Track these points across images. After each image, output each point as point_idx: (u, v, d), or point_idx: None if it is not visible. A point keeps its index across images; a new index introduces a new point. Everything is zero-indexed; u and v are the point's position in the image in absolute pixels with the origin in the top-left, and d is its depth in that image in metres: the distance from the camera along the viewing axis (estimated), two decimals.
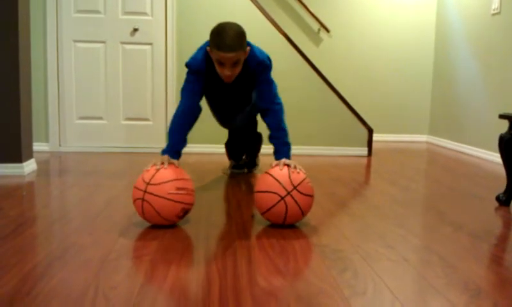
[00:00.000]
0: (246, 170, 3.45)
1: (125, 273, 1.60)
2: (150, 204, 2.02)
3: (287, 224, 2.17)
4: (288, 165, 2.17)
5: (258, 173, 3.43)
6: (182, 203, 2.06)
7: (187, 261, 1.72)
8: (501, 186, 3.22)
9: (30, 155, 3.30)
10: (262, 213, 2.17)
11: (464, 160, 4.34)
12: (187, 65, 2.59)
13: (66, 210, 2.35)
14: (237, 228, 2.14)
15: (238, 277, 1.58)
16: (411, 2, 5.62)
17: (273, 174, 2.14)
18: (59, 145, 4.26)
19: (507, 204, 2.69)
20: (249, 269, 1.66)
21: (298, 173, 2.14)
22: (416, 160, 4.26)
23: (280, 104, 2.58)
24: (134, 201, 2.08)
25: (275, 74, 4.27)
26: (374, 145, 5.22)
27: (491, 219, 2.40)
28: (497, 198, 2.73)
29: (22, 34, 3.12)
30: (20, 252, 1.76)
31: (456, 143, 5.09)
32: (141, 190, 2.04)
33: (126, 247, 1.85)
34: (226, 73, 2.50)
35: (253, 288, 1.50)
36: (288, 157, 2.36)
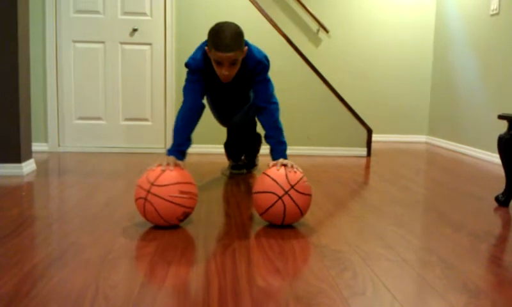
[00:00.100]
0: (245, 171, 3.45)
1: (124, 273, 1.60)
2: (152, 204, 2.02)
3: (286, 225, 2.18)
4: (285, 165, 2.18)
5: (258, 174, 3.43)
6: (184, 206, 2.06)
7: (187, 261, 1.72)
8: (500, 186, 3.22)
9: (29, 155, 3.30)
10: (261, 214, 2.17)
11: (463, 161, 4.34)
12: (186, 65, 2.60)
13: (65, 210, 2.35)
14: (236, 228, 2.14)
15: (237, 277, 1.59)
16: (410, 2, 5.62)
17: (270, 174, 2.14)
18: (58, 145, 4.25)
19: (506, 205, 2.69)
20: (248, 269, 1.66)
21: (295, 172, 2.15)
22: (415, 161, 4.26)
23: (276, 104, 2.59)
24: (136, 199, 2.07)
25: (274, 74, 4.27)
26: (373, 145, 5.23)
27: (491, 220, 2.40)
28: (496, 199, 2.74)
29: (22, 34, 3.12)
30: (19, 252, 1.76)
31: (455, 144, 5.09)
32: (145, 189, 2.03)
33: (126, 247, 1.85)
34: (224, 72, 2.50)
35: (252, 288, 1.50)
36: (284, 156, 2.38)
